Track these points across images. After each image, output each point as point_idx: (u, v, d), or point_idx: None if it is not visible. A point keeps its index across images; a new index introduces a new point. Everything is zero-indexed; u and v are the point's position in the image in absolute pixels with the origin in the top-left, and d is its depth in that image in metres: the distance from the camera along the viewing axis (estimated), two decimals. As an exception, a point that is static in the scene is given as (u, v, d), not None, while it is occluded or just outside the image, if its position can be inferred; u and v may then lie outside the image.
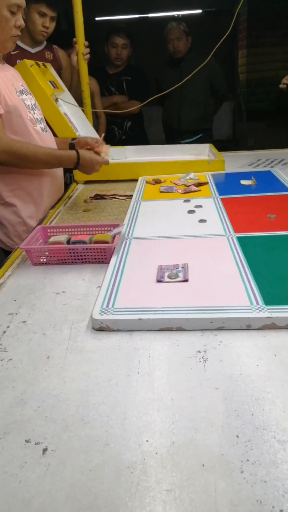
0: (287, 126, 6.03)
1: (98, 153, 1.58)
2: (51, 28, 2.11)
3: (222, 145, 2.44)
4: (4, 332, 0.84)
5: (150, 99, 2.23)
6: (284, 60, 6.68)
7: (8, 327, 0.86)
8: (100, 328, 0.82)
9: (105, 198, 1.70)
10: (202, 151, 2.25)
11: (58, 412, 0.64)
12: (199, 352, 0.75)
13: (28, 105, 1.53)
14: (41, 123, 1.59)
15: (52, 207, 1.62)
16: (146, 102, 2.25)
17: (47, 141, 1.57)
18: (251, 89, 6.62)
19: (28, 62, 1.81)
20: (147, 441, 0.58)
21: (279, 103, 6.91)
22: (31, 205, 1.57)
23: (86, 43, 2.20)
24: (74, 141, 1.69)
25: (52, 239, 1.14)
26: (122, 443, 0.58)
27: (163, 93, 2.23)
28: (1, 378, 0.71)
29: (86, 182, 2.00)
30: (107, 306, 0.86)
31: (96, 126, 2.75)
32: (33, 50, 2.16)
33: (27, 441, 0.59)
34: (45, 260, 1.13)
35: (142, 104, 2.36)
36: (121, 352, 0.76)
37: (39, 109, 1.65)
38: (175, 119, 2.86)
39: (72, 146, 1.67)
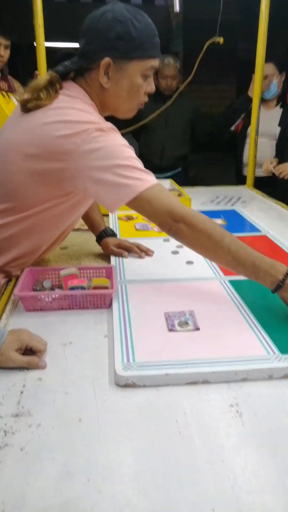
0: (221, 159, 6.38)
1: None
2: (6, 57, 2.05)
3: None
4: (22, 392, 0.79)
5: (133, 127, 2.23)
6: (217, 98, 7.13)
7: (24, 386, 0.81)
8: (126, 384, 0.80)
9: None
10: (163, 187, 2.30)
11: (112, 485, 0.61)
12: (232, 406, 0.76)
13: None
14: None
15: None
16: (130, 129, 2.27)
17: None
18: (187, 123, 6.95)
19: (-4, 92, 1.76)
20: (213, 510, 0.58)
21: (212, 136, 7.32)
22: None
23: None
24: (106, 234, 1.43)
25: (63, 272, 1.11)
26: (189, 515, 0.57)
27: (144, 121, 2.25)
28: (37, 449, 0.67)
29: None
30: (128, 360, 0.84)
31: None
32: (-15, 79, 2.09)
33: (89, 522, 0.56)
34: (40, 307, 1.08)
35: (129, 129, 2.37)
36: (155, 410, 0.75)
37: None
38: (157, 155, 2.84)
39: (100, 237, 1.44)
